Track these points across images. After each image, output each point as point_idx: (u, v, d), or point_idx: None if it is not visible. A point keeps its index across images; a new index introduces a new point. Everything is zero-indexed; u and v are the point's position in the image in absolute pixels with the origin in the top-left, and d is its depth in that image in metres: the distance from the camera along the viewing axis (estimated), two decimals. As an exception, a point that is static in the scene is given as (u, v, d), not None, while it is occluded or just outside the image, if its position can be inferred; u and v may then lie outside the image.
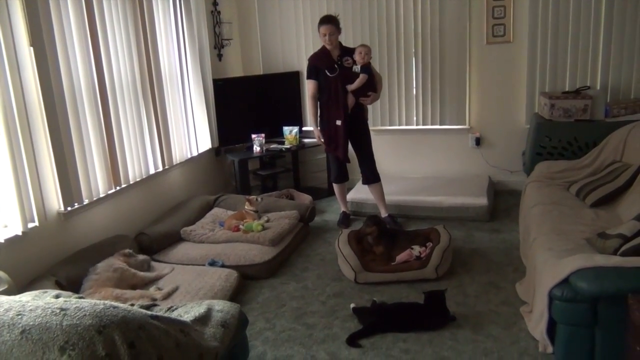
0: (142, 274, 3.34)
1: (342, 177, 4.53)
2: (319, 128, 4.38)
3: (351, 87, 4.18)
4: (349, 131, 4.28)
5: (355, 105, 4.27)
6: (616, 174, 3.59)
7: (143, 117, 4.06)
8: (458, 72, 5.12)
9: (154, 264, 3.63)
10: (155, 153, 4.24)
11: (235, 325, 2.28)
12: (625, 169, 3.57)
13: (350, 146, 4.39)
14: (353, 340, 2.81)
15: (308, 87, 4.36)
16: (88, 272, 3.15)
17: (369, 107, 4.58)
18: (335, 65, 4.19)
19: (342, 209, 4.67)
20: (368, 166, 4.40)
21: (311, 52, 5.49)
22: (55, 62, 3.18)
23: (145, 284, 3.31)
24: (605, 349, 2.41)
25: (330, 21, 4.17)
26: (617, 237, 2.67)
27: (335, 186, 4.61)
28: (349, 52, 4.24)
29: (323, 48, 4.27)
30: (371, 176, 4.41)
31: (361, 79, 4.16)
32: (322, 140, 4.37)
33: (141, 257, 3.54)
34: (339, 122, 4.24)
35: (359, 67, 4.17)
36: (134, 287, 3.24)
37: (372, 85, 4.23)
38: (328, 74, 4.20)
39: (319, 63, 4.25)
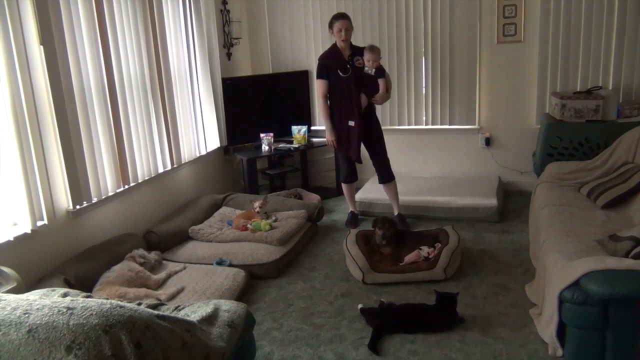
0: (155, 277, 3.32)
1: (352, 177, 4.51)
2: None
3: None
4: (362, 131, 4.23)
5: (368, 105, 4.24)
6: (628, 175, 3.55)
7: (152, 115, 4.07)
8: (468, 71, 5.09)
9: (163, 262, 3.63)
10: (164, 152, 4.25)
11: (242, 325, 2.27)
12: (637, 170, 3.53)
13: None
14: (374, 347, 2.77)
15: (318, 87, 4.32)
16: (105, 271, 3.18)
17: (379, 106, 4.56)
18: (348, 65, 4.16)
19: (351, 209, 4.66)
20: (383, 165, 4.36)
21: (320, 51, 5.47)
22: (65, 61, 3.20)
23: (159, 286, 3.29)
24: (616, 353, 2.38)
25: (346, 16, 4.16)
26: (628, 240, 2.64)
27: (344, 186, 4.59)
28: (360, 51, 4.21)
29: (334, 47, 4.24)
30: (386, 175, 4.38)
31: (382, 84, 4.14)
32: (335, 145, 4.33)
33: (153, 255, 3.55)
34: (351, 123, 4.20)
35: (372, 70, 4.12)
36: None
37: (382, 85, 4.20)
38: (340, 74, 4.16)
39: (331, 62, 4.21)
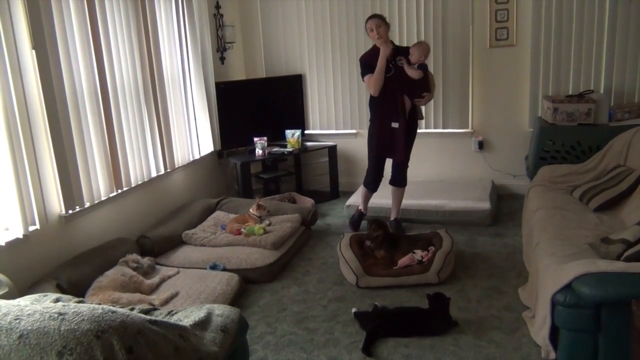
0: (148, 281, 3.31)
1: (374, 186, 4.39)
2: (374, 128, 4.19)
3: (412, 74, 3.98)
4: (407, 132, 4.11)
5: (411, 108, 4.11)
6: (620, 179, 3.57)
7: (145, 120, 4.06)
8: (461, 75, 5.11)
9: (156, 267, 3.61)
10: (157, 156, 4.23)
11: (235, 330, 2.26)
12: (629, 174, 3.55)
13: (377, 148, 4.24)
14: (368, 351, 2.77)
15: (366, 82, 4.14)
16: (98, 276, 3.16)
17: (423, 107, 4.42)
18: (390, 65, 4.05)
19: (361, 207, 4.56)
20: (401, 169, 4.30)
21: (314, 56, 5.48)
22: (57, 65, 3.19)
23: (152, 291, 3.28)
24: (609, 356, 2.39)
25: (376, 15, 4.07)
26: (620, 242, 2.65)
27: (364, 189, 4.47)
28: (402, 51, 4.08)
29: (374, 47, 4.11)
30: (399, 179, 4.32)
31: (418, 73, 3.97)
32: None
33: (146, 261, 3.53)
34: (395, 125, 4.09)
35: (415, 65, 3.99)
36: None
37: (426, 85, 4.08)
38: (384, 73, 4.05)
39: (372, 61, 4.06)
